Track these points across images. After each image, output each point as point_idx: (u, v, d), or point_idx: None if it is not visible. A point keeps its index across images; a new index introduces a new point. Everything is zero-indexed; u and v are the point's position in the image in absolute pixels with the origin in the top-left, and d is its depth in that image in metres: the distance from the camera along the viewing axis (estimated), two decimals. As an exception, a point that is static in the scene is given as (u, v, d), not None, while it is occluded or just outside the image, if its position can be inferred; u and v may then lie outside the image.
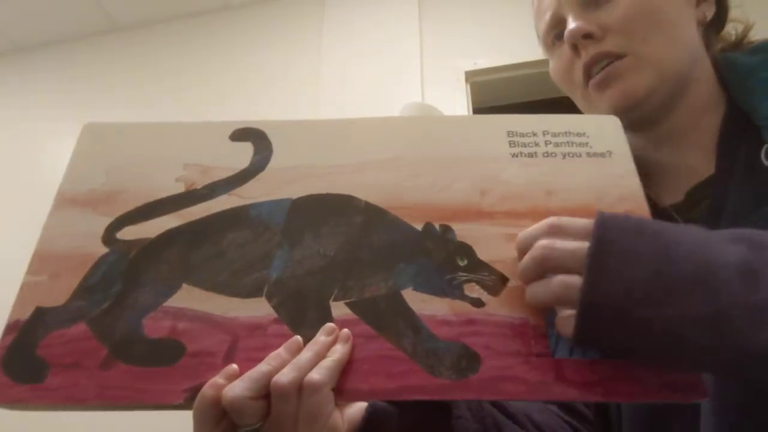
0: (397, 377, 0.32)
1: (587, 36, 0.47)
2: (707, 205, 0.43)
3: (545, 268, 0.32)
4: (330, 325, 0.34)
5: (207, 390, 0.32)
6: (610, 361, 0.32)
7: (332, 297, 0.36)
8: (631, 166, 0.41)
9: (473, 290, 0.35)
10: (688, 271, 0.28)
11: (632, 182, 0.40)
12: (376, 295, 0.35)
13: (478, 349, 0.33)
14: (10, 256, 1.88)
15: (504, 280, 0.36)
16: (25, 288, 0.37)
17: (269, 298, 0.36)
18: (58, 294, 0.37)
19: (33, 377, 0.34)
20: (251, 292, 0.36)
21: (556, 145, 0.42)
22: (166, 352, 0.34)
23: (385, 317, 0.34)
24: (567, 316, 0.31)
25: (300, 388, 0.31)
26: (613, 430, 0.46)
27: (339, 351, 0.32)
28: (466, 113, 1.62)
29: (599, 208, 0.37)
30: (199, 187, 0.41)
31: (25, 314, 0.36)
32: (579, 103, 0.53)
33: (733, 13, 0.53)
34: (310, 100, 1.79)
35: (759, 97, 0.44)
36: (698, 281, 0.28)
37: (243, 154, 0.43)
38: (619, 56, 0.46)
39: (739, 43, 0.52)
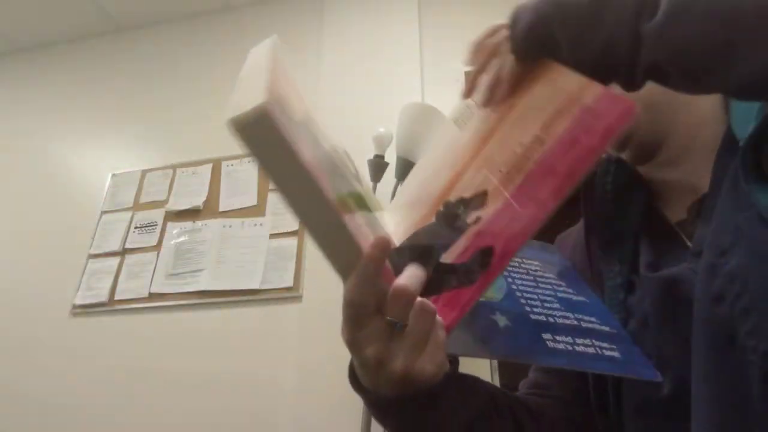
0: (454, 302, 0.40)
1: None
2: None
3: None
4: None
5: (372, 252, 0.36)
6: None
7: None
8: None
9: (472, 218, 0.44)
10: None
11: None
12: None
13: (490, 242, 0.41)
14: (11, 255, 1.89)
15: (484, 193, 0.44)
16: None
17: None
18: None
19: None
20: None
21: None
22: None
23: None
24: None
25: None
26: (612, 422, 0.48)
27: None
28: (466, 113, 1.62)
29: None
30: None
31: None
32: None
33: None
34: (310, 99, 1.78)
35: (738, 117, 0.46)
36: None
37: None
38: None
39: None
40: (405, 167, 1.24)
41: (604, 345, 0.45)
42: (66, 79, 2.23)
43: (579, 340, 0.45)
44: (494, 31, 0.49)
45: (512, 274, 0.53)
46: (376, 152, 1.32)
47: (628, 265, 0.51)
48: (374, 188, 1.30)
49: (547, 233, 0.58)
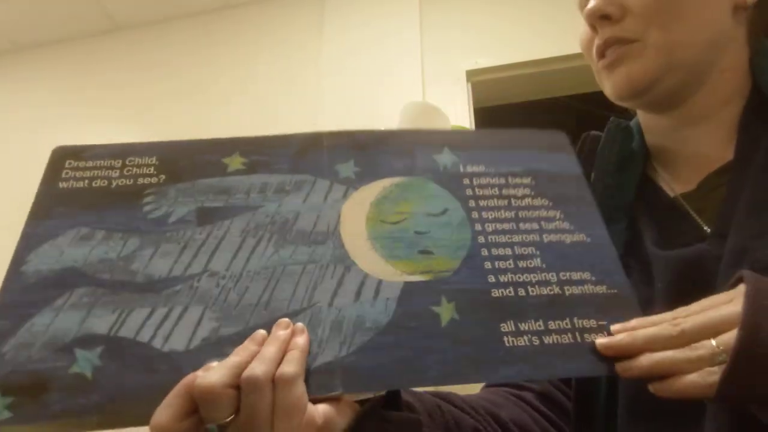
0: None
1: (605, 17, 0.46)
2: (722, 193, 0.41)
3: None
4: (284, 320, 0.34)
5: (187, 380, 0.30)
6: None
7: None
8: None
9: None
10: None
11: None
12: None
13: None
14: (11, 254, 1.89)
15: None
16: None
17: None
18: None
19: None
20: None
21: None
22: None
23: None
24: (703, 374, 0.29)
25: (273, 381, 0.30)
26: (596, 424, 0.44)
27: (300, 343, 0.32)
28: (467, 113, 1.62)
29: None
30: None
31: None
32: (596, 75, 0.53)
33: None
34: (311, 99, 1.78)
35: None
36: None
37: None
38: (631, 41, 0.45)
39: None
40: (406, 166, 1.24)
41: (590, 324, 0.35)
42: (66, 78, 2.22)
43: (554, 324, 0.34)
44: (714, 328, 0.31)
45: (484, 212, 0.40)
46: (376, 151, 1.32)
47: (624, 244, 0.46)
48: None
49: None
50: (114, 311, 0.34)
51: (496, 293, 0.36)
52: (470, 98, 1.67)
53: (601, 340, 0.33)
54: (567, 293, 0.36)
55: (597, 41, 0.47)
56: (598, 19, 0.46)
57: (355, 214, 0.39)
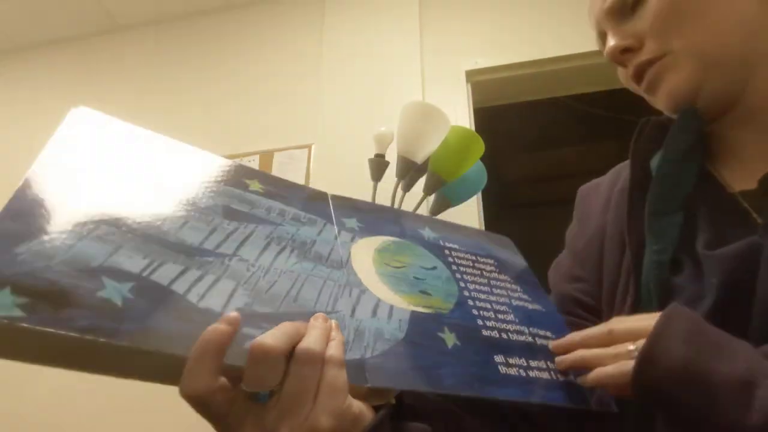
0: None
1: (626, 51, 0.48)
2: None
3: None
4: (321, 314, 0.35)
5: (211, 335, 0.28)
6: None
7: None
8: None
9: None
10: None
11: None
12: None
13: None
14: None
15: None
16: None
17: None
18: None
19: None
20: None
21: None
22: None
23: None
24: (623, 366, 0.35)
25: (322, 360, 0.31)
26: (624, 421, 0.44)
27: (338, 336, 0.34)
28: (467, 113, 1.62)
29: None
30: None
31: None
32: (650, 103, 0.53)
33: None
34: (311, 98, 1.79)
35: None
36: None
37: None
38: (658, 59, 0.46)
39: None
40: (406, 166, 1.24)
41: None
42: (66, 77, 2.23)
43: (533, 363, 0.41)
44: (636, 334, 0.36)
45: (465, 276, 0.48)
46: (376, 151, 1.32)
47: (678, 240, 0.45)
48: (375, 187, 1.30)
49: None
50: (145, 257, 0.32)
51: (485, 333, 0.42)
52: (470, 98, 1.67)
53: (554, 343, 0.43)
54: (538, 343, 0.44)
55: (629, 73, 0.49)
56: (621, 54, 0.48)
57: (363, 255, 0.44)
